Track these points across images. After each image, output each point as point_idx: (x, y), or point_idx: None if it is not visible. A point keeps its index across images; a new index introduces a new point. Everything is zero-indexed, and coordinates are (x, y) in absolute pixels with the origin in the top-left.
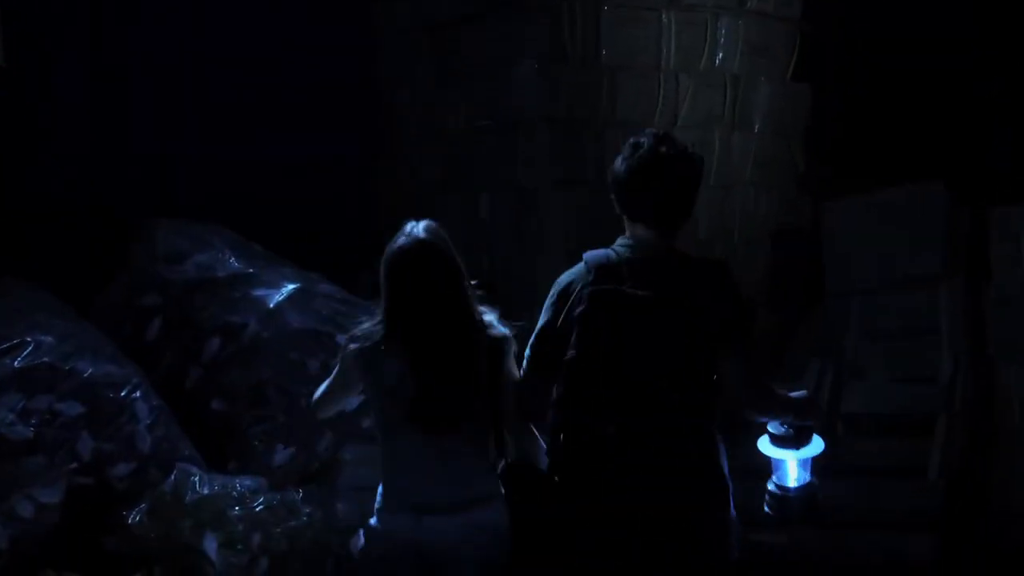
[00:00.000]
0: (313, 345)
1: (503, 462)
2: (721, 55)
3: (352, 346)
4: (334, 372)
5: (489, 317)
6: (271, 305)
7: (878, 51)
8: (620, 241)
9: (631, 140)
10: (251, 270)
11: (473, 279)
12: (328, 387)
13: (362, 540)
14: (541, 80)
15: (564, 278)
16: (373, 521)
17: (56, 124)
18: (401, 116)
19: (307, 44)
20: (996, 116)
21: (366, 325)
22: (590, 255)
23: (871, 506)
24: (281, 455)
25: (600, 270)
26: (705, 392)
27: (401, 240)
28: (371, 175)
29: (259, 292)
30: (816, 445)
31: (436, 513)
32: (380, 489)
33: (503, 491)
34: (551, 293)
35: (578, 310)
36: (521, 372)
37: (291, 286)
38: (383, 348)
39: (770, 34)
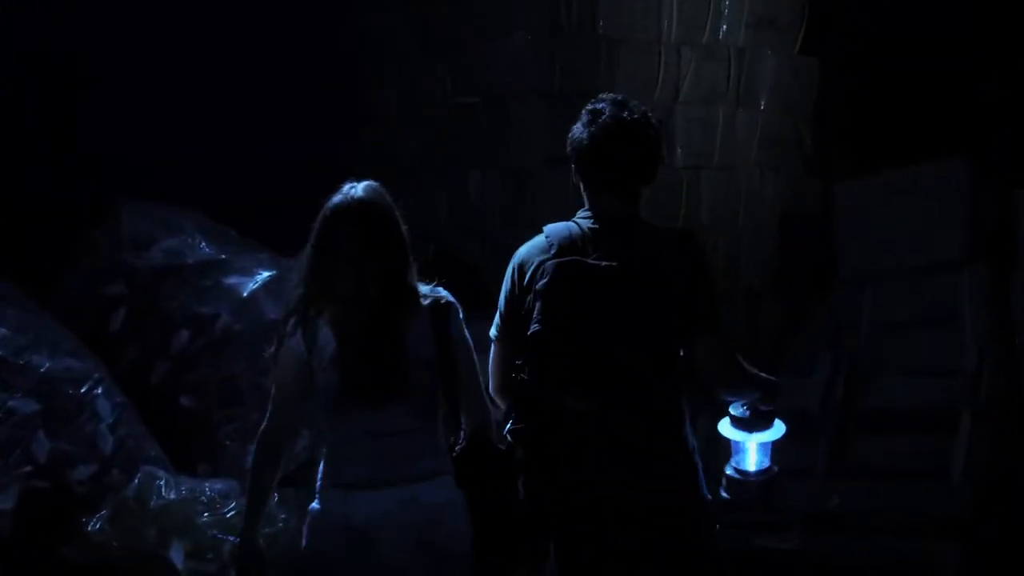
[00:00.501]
0: None
1: (462, 437)
2: (725, 27)
3: (290, 341)
4: (272, 393)
5: (429, 287)
6: (245, 294)
7: (878, 50)
8: (581, 214)
9: (589, 107)
10: (223, 256)
11: (464, 262)
12: (272, 416)
13: (305, 526)
14: (534, 53)
15: (520, 252)
16: (312, 504)
17: (55, 124)
18: (383, 93)
19: (307, 44)
20: (996, 116)
21: (291, 301)
22: (551, 228)
23: (889, 511)
24: None
25: (562, 242)
26: (670, 366)
27: (337, 198)
28: (351, 155)
29: (232, 280)
30: (777, 429)
31: (367, 489)
32: (320, 468)
33: (453, 469)
34: (510, 269)
35: (540, 283)
36: (491, 352)
37: (266, 273)
38: (313, 316)
39: (777, 5)
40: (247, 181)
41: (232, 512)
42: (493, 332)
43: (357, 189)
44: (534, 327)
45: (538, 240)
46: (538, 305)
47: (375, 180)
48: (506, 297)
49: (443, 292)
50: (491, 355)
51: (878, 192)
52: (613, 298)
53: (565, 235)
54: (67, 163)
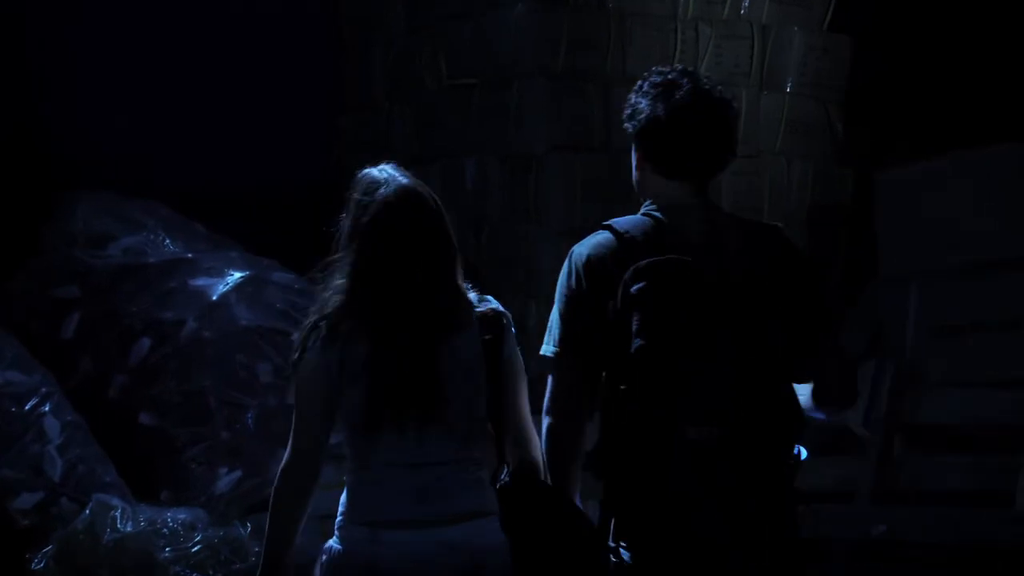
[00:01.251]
0: (264, 346)
1: (506, 470)
2: (747, 2)
3: (311, 352)
4: (294, 416)
5: (476, 294)
6: (214, 297)
7: (913, 26)
8: (649, 207)
9: (651, 79)
10: (190, 255)
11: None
12: (296, 444)
13: (319, 566)
14: (537, 27)
15: (587, 251)
16: (330, 542)
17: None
18: (370, 72)
19: (290, 24)
20: None
21: (321, 307)
22: (623, 222)
23: (942, 540)
24: (224, 481)
25: (645, 239)
26: (785, 384)
27: (382, 191)
28: (337, 143)
29: (199, 282)
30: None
31: (398, 528)
32: (343, 500)
33: (499, 509)
34: (571, 271)
35: (636, 287)
36: (551, 376)
37: (238, 275)
38: (347, 328)
39: None
40: (224, 173)
41: (198, 546)
42: (551, 348)
43: (396, 177)
44: (637, 342)
45: (602, 237)
46: (637, 316)
47: (362, 168)
48: (570, 301)
49: (493, 301)
50: (552, 377)
51: (926, 180)
52: (721, 305)
53: (644, 229)
54: (18, 154)
